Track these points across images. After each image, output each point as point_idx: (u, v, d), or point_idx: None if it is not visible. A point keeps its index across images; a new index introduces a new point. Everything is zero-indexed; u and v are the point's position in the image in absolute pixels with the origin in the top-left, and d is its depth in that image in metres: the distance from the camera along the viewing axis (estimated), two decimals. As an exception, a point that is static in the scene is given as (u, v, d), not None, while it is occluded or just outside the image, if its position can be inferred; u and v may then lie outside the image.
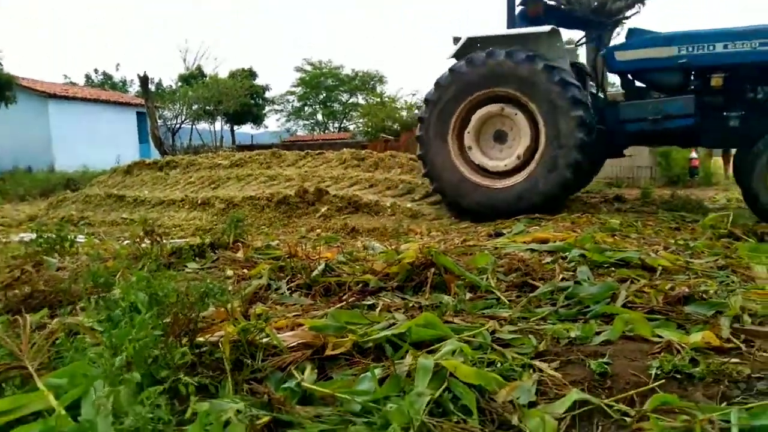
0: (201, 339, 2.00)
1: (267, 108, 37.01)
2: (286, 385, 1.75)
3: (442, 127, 6.08)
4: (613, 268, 3.00)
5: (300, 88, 38.93)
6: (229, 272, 3.07)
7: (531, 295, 2.59)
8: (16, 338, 1.85)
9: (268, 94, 36.04)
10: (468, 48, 6.10)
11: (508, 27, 6.37)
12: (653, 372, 1.73)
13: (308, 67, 38.54)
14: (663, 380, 1.68)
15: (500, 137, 6.05)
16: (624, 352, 1.94)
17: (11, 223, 7.53)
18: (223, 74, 32.27)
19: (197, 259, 3.41)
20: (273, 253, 3.47)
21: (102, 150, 20.08)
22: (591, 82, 6.61)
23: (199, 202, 7.37)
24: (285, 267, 3.08)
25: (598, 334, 2.09)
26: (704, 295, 2.46)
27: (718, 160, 11.84)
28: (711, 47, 5.50)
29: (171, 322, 1.94)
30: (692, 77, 5.81)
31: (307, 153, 9.27)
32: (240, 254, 3.44)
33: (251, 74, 33.54)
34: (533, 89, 5.69)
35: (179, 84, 32.26)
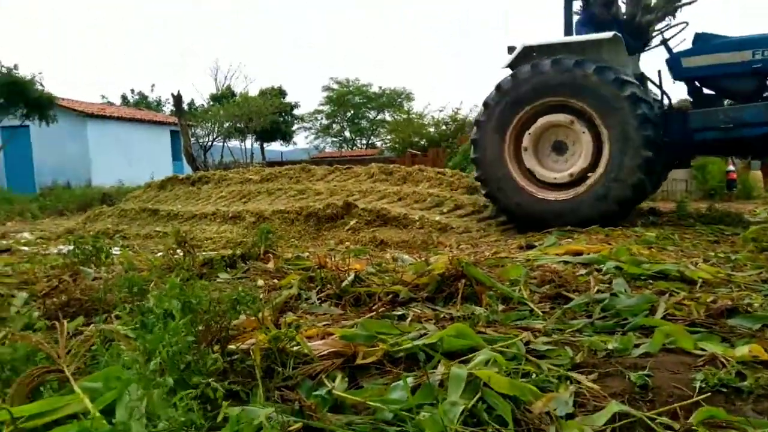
0: (232, 346, 2.01)
1: (296, 125, 37.58)
2: (317, 392, 1.73)
3: (499, 132, 5.94)
4: (650, 281, 2.91)
5: (328, 106, 39.42)
6: (260, 282, 3.09)
7: (565, 306, 2.53)
8: (54, 343, 1.89)
9: (296, 112, 36.63)
10: (524, 57, 5.97)
11: (566, 34, 6.21)
12: (698, 385, 1.66)
13: (335, 86, 39.04)
14: (708, 393, 1.61)
15: (559, 148, 5.90)
16: (665, 364, 1.86)
17: (50, 236, 7.75)
18: (253, 93, 32.96)
19: (228, 269, 3.45)
20: (303, 264, 3.48)
21: (137, 167, 20.63)
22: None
23: (230, 215, 7.48)
24: (315, 277, 3.09)
25: (637, 346, 2.02)
26: (749, 308, 2.37)
27: (757, 174, 11.48)
28: None
29: (203, 329, 1.95)
30: None
31: (335, 168, 9.34)
32: (270, 265, 3.46)
33: (281, 93, 34.15)
34: (599, 102, 5.50)
35: (210, 103, 33.05)
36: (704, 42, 5.77)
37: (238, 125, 27.58)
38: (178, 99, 18.15)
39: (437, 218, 6.35)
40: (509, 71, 6.04)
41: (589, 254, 3.48)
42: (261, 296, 2.62)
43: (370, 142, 39.60)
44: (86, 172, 20.25)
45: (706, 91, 6.00)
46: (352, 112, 39.49)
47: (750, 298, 2.56)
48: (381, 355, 2.00)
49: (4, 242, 6.98)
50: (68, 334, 2.11)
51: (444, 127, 22.05)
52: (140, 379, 1.44)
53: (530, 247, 4.35)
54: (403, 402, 1.60)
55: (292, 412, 1.60)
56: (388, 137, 28.16)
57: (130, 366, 1.60)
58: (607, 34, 5.68)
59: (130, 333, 2.17)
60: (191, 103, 34.33)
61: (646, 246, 3.89)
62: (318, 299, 2.83)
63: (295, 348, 2.00)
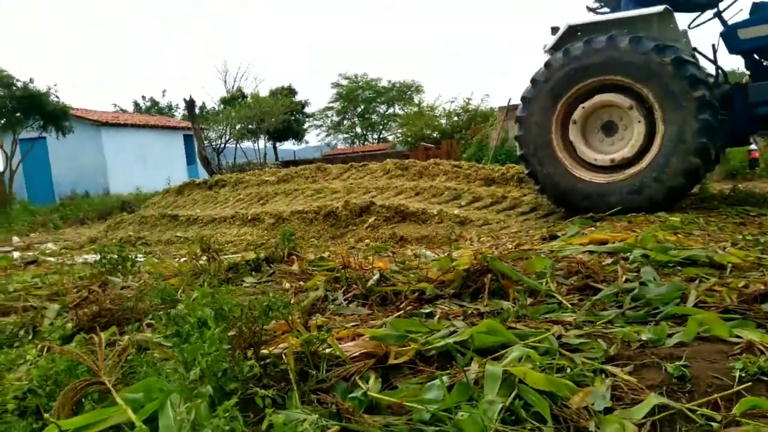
0: (265, 351, 2.03)
1: (307, 123, 37.65)
2: (352, 394, 1.74)
3: (546, 110, 5.69)
4: (679, 268, 2.88)
5: (338, 102, 39.44)
6: (286, 285, 3.11)
7: (594, 297, 2.51)
8: (92, 355, 1.92)
9: (307, 110, 36.69)
10: (568, 37, 5.74)
11: (614, 11, 5.93)
12: (737, 374, 1.64)
13: (344, 82, 39.03)
14: (749, 383, 1.59)
15: (609, 129, 5.62)
16: (701, 353, 1.84)
17: (74, 246, 7.88)
18: (264, 93, 33.09)
19: (254, 273, 3.48)
20: (327, 265, 3.50)
21: (153, 172, 20.87)
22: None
23: (249, 218, 7.53)
24: (340, 278, 3.10)
25: (670, 336, 2.00)
26: (783, 292, 2.32)
27: (779, 151, 11.25)
28: None
29: (236, 335, 1.98)
30: None
31: (351, 165, 9.35)
32: (295, 267, 3.48)
33: (291, 92, 34.23)
34: (643, 73, 5.21)
35: (221, 106, 33.25)
36: (764, 11, 5.48)
37: (250, 126, 27.71)
38: (190, 104, 18.31)
39: (456, 212, 6.33)
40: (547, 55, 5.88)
41: (614, 243, 3.45)
42: (290, 300, 2.64)
43: (381, 136, 39.57)
44: (103, 180, 20.53)
45: (766, 63, 5.67)
46: (362, 107, 39.45)
47: (783, 281, 2.51)
48: (413, 354, 2.01)
49: (30, 254, 7.11)
50: (103, 344, 2.14)
51: (456, 118, 21.94)
52: (182, 390, 1.46)
53: (553, 237, 4.31)
54: (440, 401, 1.60)
55: (329, 415, 1.62)
56: (400, 131, 28.12)
57: (169, 376, 1.63)
58: (658, 8, 5.40)
59: (163, 342, 2.21)
60: (202, 107, 34.56)
61: (671, 231, 3.83)
62: (345, 300, 2.84)
63: (327, 350, 2.01)
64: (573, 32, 5.77)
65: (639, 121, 5.37)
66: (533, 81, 5.88)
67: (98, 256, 3.93)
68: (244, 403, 1.70)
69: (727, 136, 5.63)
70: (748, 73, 5.95)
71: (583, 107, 5.59)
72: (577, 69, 5.54)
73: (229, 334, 1.94)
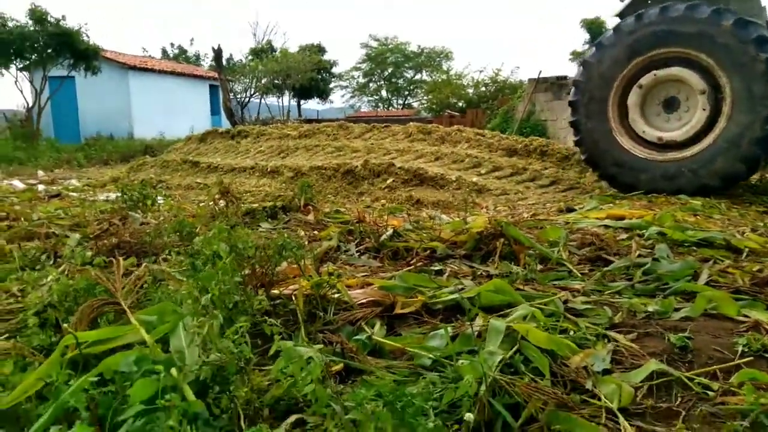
0: (276, 291, 2.08)
1: (333, 84, 37.32)
2: (357, 337, 1.79)
3: (616, 65, 5.39)
4: (694, 248, 2.86)
5: (366, 64, 38.94)
6: (301, 233, 3.15)
7: (605, 269, 2.51)
8: (110, 279, 1.99)
9: (334, 70, 36.31)
10: (637, 5, 5.47)
11: None
12: (740, 349, 1.65)
13: (374, 43, 38.42)
14: (750, 358, 1.60)
15: (670, 105, 5.34)
16: (706, 328, 1.85)
17: (96, 184, 8.03)
18: (293, 49, 32.75)
19: (270, 219, 3.53)
20: (342, 218, 3.53)
21: (177, 120, 20.97)
22: None
23: (268, 170, 7.58)
24: (354, 231, 3.14)
25: (677, 310, 2.01)
26: (797, 279, 2.30)
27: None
28: None
29: (249, 273, 2.03)
30: None
31: (373, 126, 9.31)
32: (311, 217, 3.52)
33: (320, 50, 33.84)
34: (719, 50, 4.89)
35: (249, 58, 33.03)
36: None
37: (276, 81, 27.56)
38: (218, 53, 18.22)
39: (474, 179, 6.30)
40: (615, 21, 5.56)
41: (631, 219, 3.42)
42: (304, 244, 2.69)
43: (406, 102, 39.12)
44: (128, 124, 20.70)
45: None
46: (389, 71, 38.91)
47: (799, 268, 2.49)
48: (419, 305, 2.05)
49: (54, 188, 7.27)
50: (121, 272, 2.21)
51: (483, 89, 21.57)
52: (194, 314, 1.52)
53: (570, 210, 4.29)
54: (442, 349, 1.64)
55: (333, 353, 1.67)
56: (426, 98, 27.76)
57: (182, 302, 1.68)
58: None
59: (179, 275, 2.28)
60: (230, 58, 34.38)
61: (691, 213, 3.79)
62: (357, 251, 2.88)
63: (335, 295, 2.06)
64: (642, 0, 5.52)
65: (704, 109, 5.09)
66: (616, 29, 5.49)
67: (120, 194, 4.01)
68: (254, 335, 1.76)
69: None
70: None
71: (655, 74, 5.27)
72: (637, 40, 5.24)
73: (243, 272, 1.99)
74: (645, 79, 5.31)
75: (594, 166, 5.66)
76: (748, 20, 4.86)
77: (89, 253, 2.80)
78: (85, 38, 16.79)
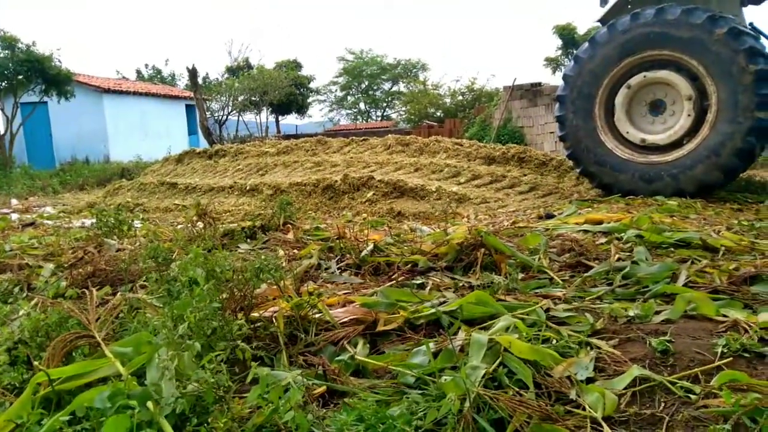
0: (255, 314, 2.05)
1: (311, 98, 37.33)
2: (339, 357, 1.77)
3: (607, 64, 5.41)
4: (672, 249, 2.89)
5: (342, 77, 39.08)
6: (280, 252, 3.12)
7: (586, 274, 2.53)
8: (84, 311, 1.94)
9: (312, 85, 36.35)
10: (618, 9, 5.57)
11: None
12: (719, 350, 1.66)
13: (350, 57, 38.61)
14: (730, 359, 1.60)
15: (656, 108, 5.36)
16: (686, 330, 1.86)
17: (72, 210, 7.89)
18: (269, 66, 32.72)
19: (249, 240, 3.49)
20: (322, 235, 3.51)
21: (154, 141, 20.77)
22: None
23: (247, 188, 7.53)
24: (334, 248, 3.12)
25: (658, 313, 2.02)
26: (772, 275, 2.33)
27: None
28: None
29: (227, 297, 1.99)
30: None
31: (351, 139, 9.31)
32: (290, 235, 3.49)
33: (297, 65, 33.89)
34: (710, 58, 4.89)
35: (225, 76, 32.93)
36: None
37: (253, 98, 27.50)
38: (193, 73, 18.11)
39: (454, 189, 6.32)
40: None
41: (609, 223, 3.45)
42: (283, 265, 2.66)
43: (385, 114, 39.28)
44: (104, 147, 20.43)
45: None
46: (366, 83, 39.08)
47: (774, 265, 2.52)
48: (402, 321, 2.03)
49: (29, 216, 7.13)
50: (96, 302, 2.16)
51: (460, 98, 21.77)
52: (169, 344, 1.48)
53: (549, 216, 4.32)
54: (425, 366, 1.63)
55: (315, 375, 1.64)
56: (404, 109, 27.92)
57: (158, 331, 1.64)
58: None
59: (156, 301, 2.23)
60: (206, 77, 34.24)
61: (667, 214, 3.84)
62: (338, 269, 2.86)
63: (316, 315, 2.03)
64: (623, 5, 5.55)
65: (689, 115, 5.12)
66: (611, 27, 5.47)
67: (95, 220, 3.94)
68: (233, 361, 1.72)
69: None
70: None
71: (645, 75, 5.29)
72: (621, 44, 5.28)
73: (221, 296, 1.95)
74: (635, 80, 5.34)
75: (576, 162, 5.69)
76: (741, 29, 4.87)
77: (64, 284, 2.74)
78: (57, 63, 16.59)
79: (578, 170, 5.81)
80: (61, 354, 1.60)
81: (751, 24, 5.71)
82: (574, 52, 5.69)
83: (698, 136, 5.06)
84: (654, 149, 5.28)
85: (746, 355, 1.64)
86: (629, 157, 5.34)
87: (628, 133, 5.37)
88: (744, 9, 5.99)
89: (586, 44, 5.62)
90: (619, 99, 5.39)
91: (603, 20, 5.72)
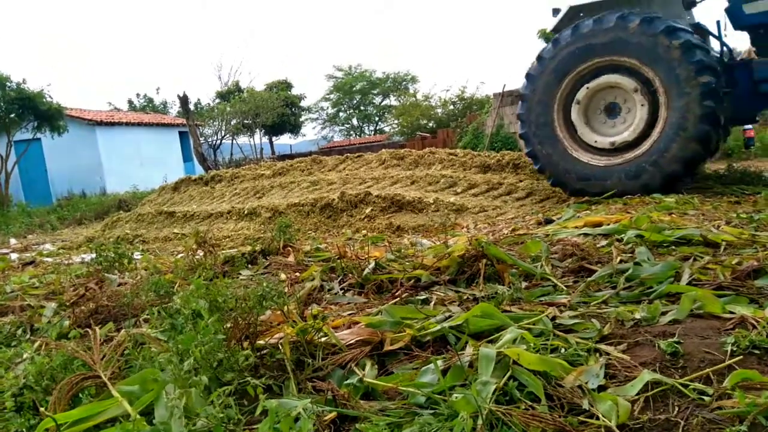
0: (261, 342, 2.03)
1: (303, 117, 37.52)
2: (348, 381, 1.75)
3: (550, 89, 5.69)
4: (673, 247, 2.89)
5: (333, 94, 39.30)
6: (282, 276, 3.11)
7: (589, 279, 2.52)
8: (88, 350, 1.93)
9: (303, 103, 36.55)
10: (570, 18, 5.74)
11: None
12: (729, 348, 1.65)
13: (339, 74, 38.87)
14: (740, 357, 1.59)
15: (612, 111, 5.58)
16: (694, 330, 1.85)
17: (71, 246, 7.87)
18: (259, 87, 32.94)
19: (250, 266, 3.48)
20: (323, 256, 3.50)
21: (149, 170, 20.81)
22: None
23: (245, 212, 7.53)
24: (336, 268, 3.11)
25: (664, 314, 2.01)
26: (776, 268, 2.33)
27: (774, 130, 11.23)
28: None
29: (232, 326, 1.98)
30: None
31: (346, 156, 9.33)
32: (291, 258, 3.48)
33: (287, 85, 34.12)
34: (651, 56, 5.11)
35: (217, 101, 33.11)
36: None
37: (245, 121, 27.62)
38: (184, 100, 18.22)
39: (452, 199, 6.33)
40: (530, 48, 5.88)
41: (609, 225, 3.45)
42: (285, 290, 2.65)
43: (378, 128, 39.46)
44: (100, 179, 20.48)
45: None
46: (358, 98, 39.31)
47: (776, 257, 2.52)
48: (408, 340, 2.01)
49: (28, 255, 7.11)
50: (99, 340, 2.14)
51: (452, 107, 21.88)
52: (176, 380, 1.47)
53: (548, 222, 4.32)
54: (435, 385, 1.61)
55: (325, 401, 1.62)
56: (396, 121, 28.05)
57: (164, 367, 1.63)
58: None
59: (160, 335, 2.22)
60: (197, 103, 34.44)
61: (666, 212, 3.84)
62: (341, 289, 2.85)
63: (322, 339, 2.02)
64: (574, 14, 5.71)
65: (642, 105, 5.30)
66: (539, 58, 5.78)
67: (95, 255, 3.93)
68: (241, 393, 1.71)
69: (730, 113, 5.46)
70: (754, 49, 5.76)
71: (587, 87, 5.51)
72: (584, 48, 5.43)
73: (225, 326, 1.94)
74: (580, 94, 5.56)
75: (563, 187, 5.83)
76: (652, 17, 5.10)
77: (67, 323, 2.72)
78: (48, 99, 16.67)
79: (536, 168, 6.06)
80: (67, 397, 1.58)
81: (698, 23, 5.93)
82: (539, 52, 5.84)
83: (660, 119, 5.21)
84: (627, 147, 5.46)
85: (756, 351, 1.63)
86: (583, 157, 5.58)
87: (596, 141, 5.61)
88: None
89: (549, 45, 5.77)
90: (575, 115, 5.66)
91: (556, 29, 5.89)
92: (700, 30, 5.83)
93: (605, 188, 5.35)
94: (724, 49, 5.68)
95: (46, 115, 16.62)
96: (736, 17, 5.44)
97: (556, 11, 5.98)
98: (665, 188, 5.14)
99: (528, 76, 5.88)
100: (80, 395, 1.67)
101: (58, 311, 3.04)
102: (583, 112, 5.62)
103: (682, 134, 5.06)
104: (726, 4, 5.53)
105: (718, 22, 5.70)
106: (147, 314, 2.62)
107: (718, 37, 5.73)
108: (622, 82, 5.36)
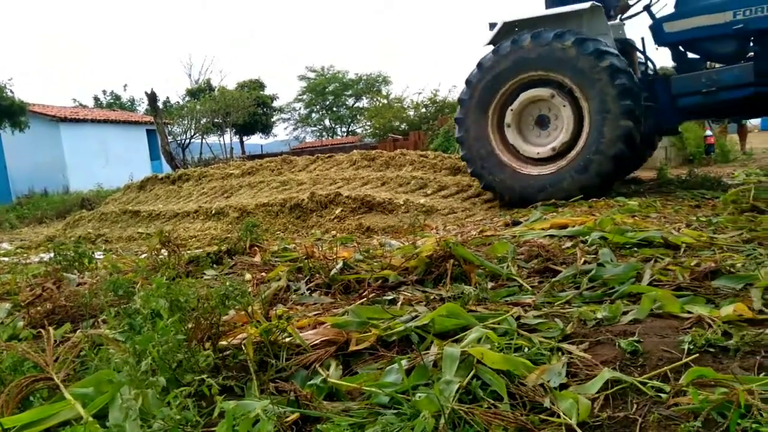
0: (224, 342, 1.99)
1: (275, 117, 37.20)
2: (311, 382, 1.73)
3: (482, 109, 5.94)
4: (635, 249, 2.95)
5: (306, 95, 39.09)
6: (248, 276, 3.06)
7: (554, 279, 2.55)
8: (41, 352, 1.86)
9: (275, 104, 36.25)
10: (505, 33, 5.96)
11: (547, 7, 6.23)
12: (686, 347, 1.68)
13: (311, 75, 38.69)
14: (697, 355, 1.63)
15: (543, 122, 5.87)
16: (654, 329, 1.89)
17: (30, 245, 7.62)
18: (231, 86, 32.53)
19: (215, 266, 3.42)
20: (290, 256, 3.46)
21: (115, 169, 20.33)
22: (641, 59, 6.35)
23: (212, 212, 7.41)
24: (303, 268, 3.07)
25: (625, 313, 2.05)
26: (732, 269, 2.40)
27: (733, 137, 11.64)
28: None
29: (193, 327, 1.93)
30: (750, 43, 5.40)
31: (317, 157, 9.28)
32: (257, 258, 3.43)
33: (259, 85, 33.78)
34: (579, 74, 5.45)
35: (187, 99, 32.57)
36: (686, 5, 5.66)
37: (215, 120, 27.24)
38: (152, 97, 17.86)
39: (422, 201, 6.35)
40: (491, 48, 6.02)
41: (574, 227, 3.51)
42: (249, 290, 2.60)
43: (350, 129, 39.41)
44: (63, 177, 19.91)
45: (690, 55, 5.93)
46: (330, 99, 39.19)
47: (732, 259, 2.60)
48: (374, 340, 2.00)
49: (-16, 254, 6.85)
50: (55, 341, 2.07)
51: (424, 110, 22.00)
52: (132, 381, 1.42)
53: (516, 223, 4.37)
54: (398, 385, 1.60)
55: (287, 402, 1.60)
56: (368, 123, 28.06)
57: (120, 369, 1.58)
58: (586, 4, 5.65)
59: (118, 336, 2.15)
60: (166, 101, 33.83)
61: (629, 215, 3.92)
62: (307, 289, 2.81)
63: (287, 339, 1.99)
64: (509, 29, 5.92)
65: (564, 106, 5.61)
66: (467, 82, 6.04)
67: (54, 254, 3.80)
68: (200, 395, 1.67)
69: (654, 124, 5.85)
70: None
71: (511, 110, 5.83)
72: (506, 67, 5.73)
73: (187, 326, 1.90)
74: (507, 118, 5.88)
75: (527, 203, 5.89)
76: (585, 38, 5.45)
77: (21, 324, 2.62)
78: (10, 94, 16.14)
79: (470, 172, 6.38)
80: (16, 400, 1.52)
81: (628, 41, 6.28)
82: (467, 77, 6.15)
83: (577, 146, 5.60)
84: (553, 157, 5.78)
85: (711, 350, 1.67)
86: (534, 171, 5.84)
87: (525, 151, 5.88)
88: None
89: (475, 68, 6.04)
90: (508, 124, 5.93)
91: (492, 42, 6.11)
92: (628, 45, 6.14)
93: (564, 189, 5.55)
94: (647, 63, 6.08)
95: (7, 111, 16.10)
96: (658, 35, 5.81)
97: (492, 25, 6.22)
98: (613, 174, 5.54)
99: (468, 82, 6.08)
100: (31, 398, 1.60)
101: (12, 312, 2.92)
102: (517, 131, 5.94)
103: (601, 147, 5.43)
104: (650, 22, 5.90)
105: (642, 39, 6.13)
106: (105, 315, 2.54)
107: (643, 53, 6.12)
108: (538, 93, 5.73)
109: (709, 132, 10.64)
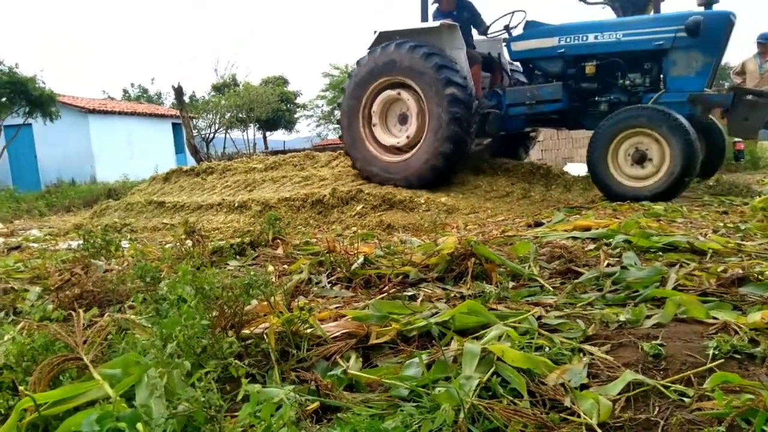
0: (246, 331, 2.03)
1: (298, 113, 37.42)
2: (332, 372, 1.75)
3: (354, 108, 6.96)
4: (660, 253, 2.91)
5: (329, 92, 39.23)
6: (270, 268, 3.10)
7: (576, 281, 2.53)
8: (71, 333, 1.91)
9: (299, 100, 36.45)
10: (379, 41, 6.80)
11: (423, 21, 7.03)
12: (710, 352, 1.66)
13: (335, 72, 38.79)
14: (722, 360, 1.61)
15: (404, 119, 6.78)
16: (677, 334, 1.87)
17: (59, 232, 7.79)
18: (256, 82, 32.83)
19: (238, 257, 3.46)
20: (312, 249, 3.49)
21: (140, 161, 20.66)
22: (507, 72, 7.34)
23: (236, 205, 7.47)
24: (324, 262, 3.10)
25: (648, 317, 2.03)
26: (759, 276, 2.36)
27: (764, 143, 11.35)
28: (584, 38, 6.14)
29: (217, 314, 1.97)
30: (569, 65, 6.33)
31: (339, 153, 9.29)
32: (280, 251, 3.47)
33: (283, 81, 34.04)
34: (416, 74, 6.38)
35: (212, 94, 32.95)
36: (530, 28, 6.55)
37: (239, 115, 27.52)
38: (178, 91, 18.08)
39: (443, 199, 6.32)
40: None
41: (597, 229, 3.47)
42: (272, 281, 2.64)
43: (372, 127, 39.40)
44: (90, 168, 20.31)
45: (536, 71, 6.78)
46: (353, 97, 39.22)
47: (760, 266, 2.55)
48: (394, 334, 2.02)
49: (14, 240, 7.03)
50: (83, 324, 2.13)
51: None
52: (158, 364, 1.46)
53: (538, 224, 4.34)
54: (418, 378, 1.62)
55: (308, 391, 1.62)
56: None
57: (146, 352, 1.62)
58: (443, 22, 6.55)
59: (144, 322, 2.20)
60: (192, 95, 34.25)
61: (654, 219, 3.87)
62: (328, 283, 2.84)
63: (308, 330, 2.02)
64: (384, 38, 6.74)
65: (413, 106, 6.56)
66: (349, 75, 7.09)
67: (82, 242, 3.89)
68: (224, 380, 1.70)
69: (499, 126, 6.83)
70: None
71: (374, 111, 6.81)
72: (373, 69, 6.69)
73: (212, 315, 1.93)
74: (374, 117, 6.86)
75: (383, 183, 6.85)
76: (431, 52, 6.35)
77: (50, 307, 2.70)
78: (41, 84, 16.51)
79: (352, 164, 7.49)
80: (47, 378, 1.57)
81: (488, 54, 7.23)
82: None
83: (421, 141, 6.57)
84: (398, 149, 6.83)
85: (737, 356, 1.65)
86: (378, 155, 6.91)
87: (379, 136, 6.87)
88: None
89: (355, 65, 6.93)
90: (375, 123, 6.90)
91: (370, 49, 6.97)
92: (489, 59, 7.15)
93: (419, 174, 6.55)
94: (504, 74, 7.18)
95: (38, 101, 16.45)
96: (510, 52, 6.82)
97: (375, 32, 7.04)
98: (439, 175, 6.58)
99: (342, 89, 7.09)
100: (61, 377, 1.65)
101: (42, 295, 3.01)
102: (384, 130, 6.87)
103: (439, 133, 6.36)
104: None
105: (499, 54, 7.19)
106: (132, 300, 2.60)
107: (501, 66, 7.18)
108: (397, 95, 6.66)
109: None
